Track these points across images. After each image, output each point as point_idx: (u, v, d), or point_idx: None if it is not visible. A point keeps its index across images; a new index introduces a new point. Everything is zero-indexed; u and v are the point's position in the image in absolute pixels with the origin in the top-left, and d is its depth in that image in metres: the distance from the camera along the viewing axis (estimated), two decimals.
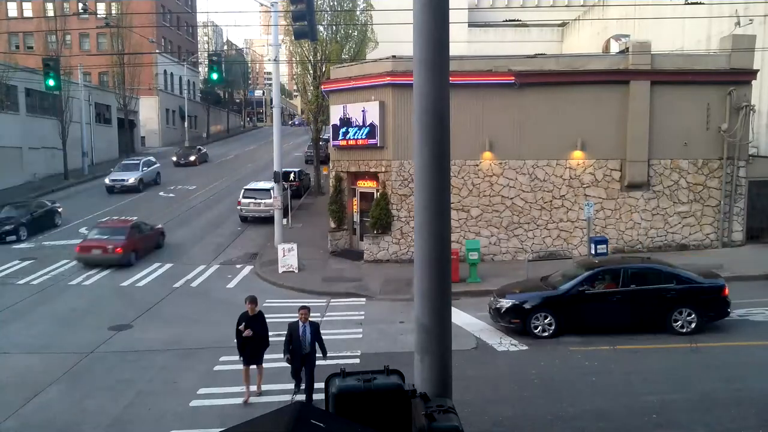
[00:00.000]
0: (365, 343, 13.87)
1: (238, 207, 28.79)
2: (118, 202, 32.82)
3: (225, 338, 14.42)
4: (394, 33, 27.48)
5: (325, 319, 15.94)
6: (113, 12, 53.05)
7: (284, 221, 25.29)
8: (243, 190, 29.09)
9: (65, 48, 44.42)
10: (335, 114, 23.36)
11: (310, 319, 11.03)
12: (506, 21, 44.89)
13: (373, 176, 22.90)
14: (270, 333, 14.69)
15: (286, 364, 11.06)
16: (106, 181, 36.03)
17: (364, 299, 17.78)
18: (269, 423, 2.99)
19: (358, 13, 34.29)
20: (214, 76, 23.84)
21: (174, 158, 46.05)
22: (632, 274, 14.09)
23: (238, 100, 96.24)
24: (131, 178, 35.65)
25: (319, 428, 2.99)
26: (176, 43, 69.38)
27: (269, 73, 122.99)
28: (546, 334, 13.77)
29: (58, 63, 26.34)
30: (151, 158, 40.16)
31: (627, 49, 22.18)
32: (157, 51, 57.74)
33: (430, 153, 5.08)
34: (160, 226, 25.18)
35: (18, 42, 56.01)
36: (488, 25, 47.34)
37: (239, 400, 10.90)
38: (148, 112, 59.53)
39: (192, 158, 46.25)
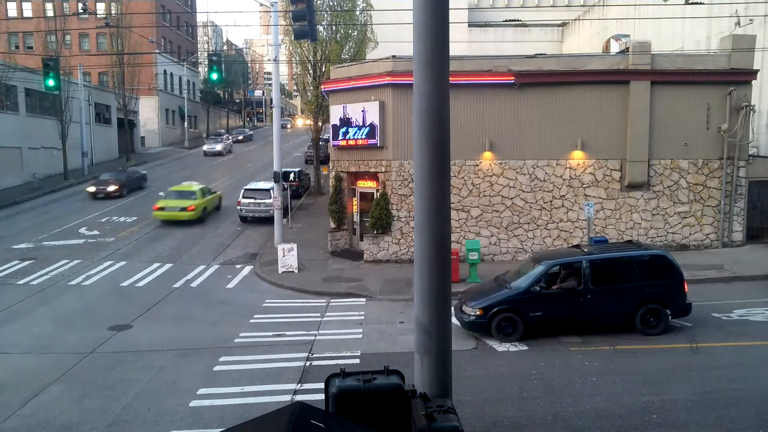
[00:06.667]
0: (365, 344, 13.86)
1: (238, 207, 28.82)
2: (119, 202, 32.82)
3: (225, 338, 14.46)
4: (394, 33, 27.47)
5: (324, 319, 15.94)
6: (113, 12, 53.03)
7: (284, 221, 25.29)
8: (243, 190, 29.11)
9: (65, 48, 44.43)
10: (335, 114, 23.35)
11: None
12: (506, 21, 44.98)
13: (373, 176, 22.89)
14: (270, 334, 14.83)
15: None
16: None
17: (363, 299, 17.76)
18: (269, 423, 2.99)
19: (357, 13, 34.28)
20: (214, 76, 23.81)
21: (91, 189, 34.29)
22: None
23: (237, 100, 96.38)
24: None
25: (319, 428, 2.99)
26: (176, 43, 69.40)
27: (269, 73, 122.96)
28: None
29: (57, 63, 26.37)
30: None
31: (627, 49, 22.18)
32: (157, 51, 57.79)
33: (430, 153, 5.08)
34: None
35: (18, 42, 56.07)
36: (488, 25, 47.43)
37: (239, 401, 10.90)
38: (148, 112, 59.55)
39: (111, 189, 34.10)
